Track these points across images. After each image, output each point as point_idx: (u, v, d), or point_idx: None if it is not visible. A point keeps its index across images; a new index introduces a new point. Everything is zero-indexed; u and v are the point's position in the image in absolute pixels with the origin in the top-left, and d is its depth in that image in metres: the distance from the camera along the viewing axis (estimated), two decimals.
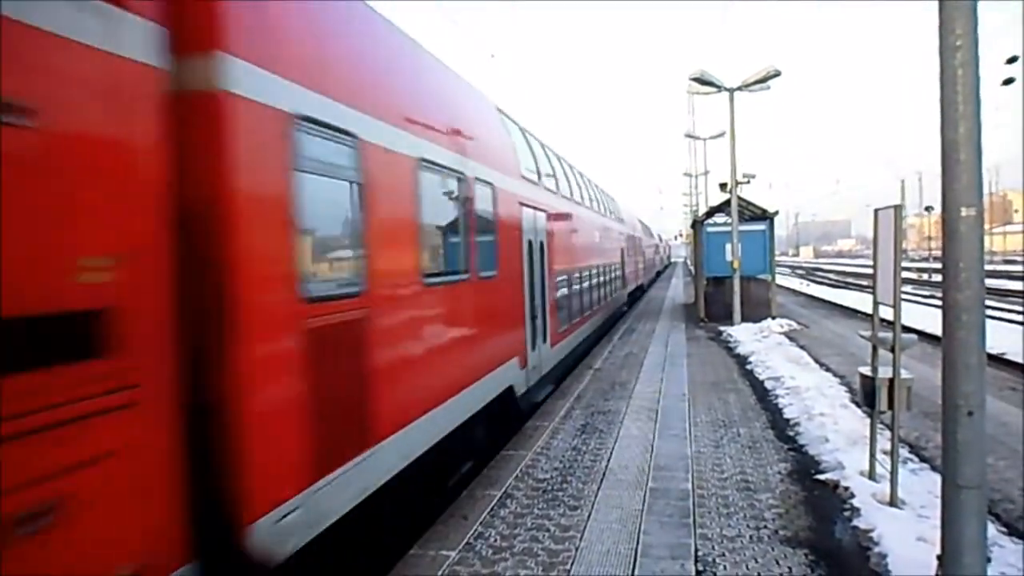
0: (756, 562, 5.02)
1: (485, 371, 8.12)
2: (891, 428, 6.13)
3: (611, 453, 7.84)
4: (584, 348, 15.97)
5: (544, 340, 11.46)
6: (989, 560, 4.25)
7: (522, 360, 9.96)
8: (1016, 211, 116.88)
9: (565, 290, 13.59)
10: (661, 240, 75.19)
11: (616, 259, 22.96)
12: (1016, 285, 33.34)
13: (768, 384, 11.41)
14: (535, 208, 11.08)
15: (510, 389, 9.24)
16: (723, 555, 5.13)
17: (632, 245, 29.50)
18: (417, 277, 6.11)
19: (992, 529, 5.18)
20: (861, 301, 26.45)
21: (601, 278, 19.02)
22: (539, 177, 11.80)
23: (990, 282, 31.50)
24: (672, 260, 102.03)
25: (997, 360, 13.03)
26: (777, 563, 4.99)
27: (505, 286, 9.26)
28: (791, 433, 8.45)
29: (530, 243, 10.60)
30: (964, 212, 3.70)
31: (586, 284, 16.30)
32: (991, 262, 62.83)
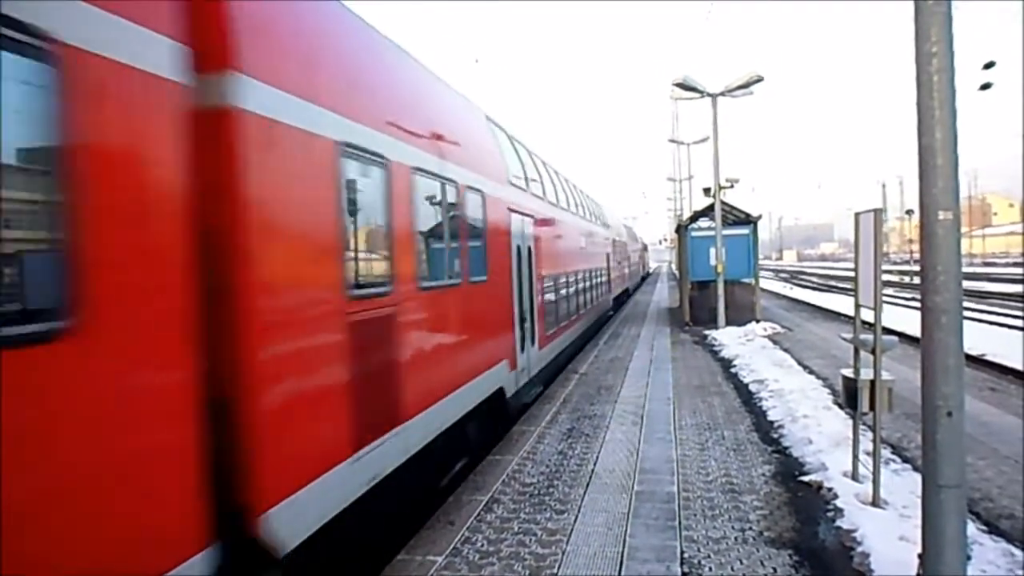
0: (741, 563, 5.05)
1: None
2: (873, 429, 6.20)
3: (597, 457, 7.86)
4: (638, 283, 50.53)
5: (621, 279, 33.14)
6: (969, 558, 4.32)
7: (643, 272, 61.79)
8: (995, 214, 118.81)
9: (638, 269, 51.08)
10: (646, 248, 79.27)
11: (637, 258, 50.19)
12: (995, 287, 33.85)
13: (752, 387, 11.49)
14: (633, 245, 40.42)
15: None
16: (708, 556, 5.16)
17: (639, 254, 56.83)
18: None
19: (972, 527, 5.25)
20: (844, 304, 26.71)
21: (635, 266, 46.63)
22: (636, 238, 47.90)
23: (970, 284, 31.99)
24: (653, 268, 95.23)
25: (978, 361, 13.21)
26: (762, 564, 5.03)
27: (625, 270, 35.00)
28: (775, 435, 8.51)
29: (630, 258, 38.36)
30: (941, 216, 3.76)
31: (637, 266, 50.07)
32: (970, 264, 63.75)
